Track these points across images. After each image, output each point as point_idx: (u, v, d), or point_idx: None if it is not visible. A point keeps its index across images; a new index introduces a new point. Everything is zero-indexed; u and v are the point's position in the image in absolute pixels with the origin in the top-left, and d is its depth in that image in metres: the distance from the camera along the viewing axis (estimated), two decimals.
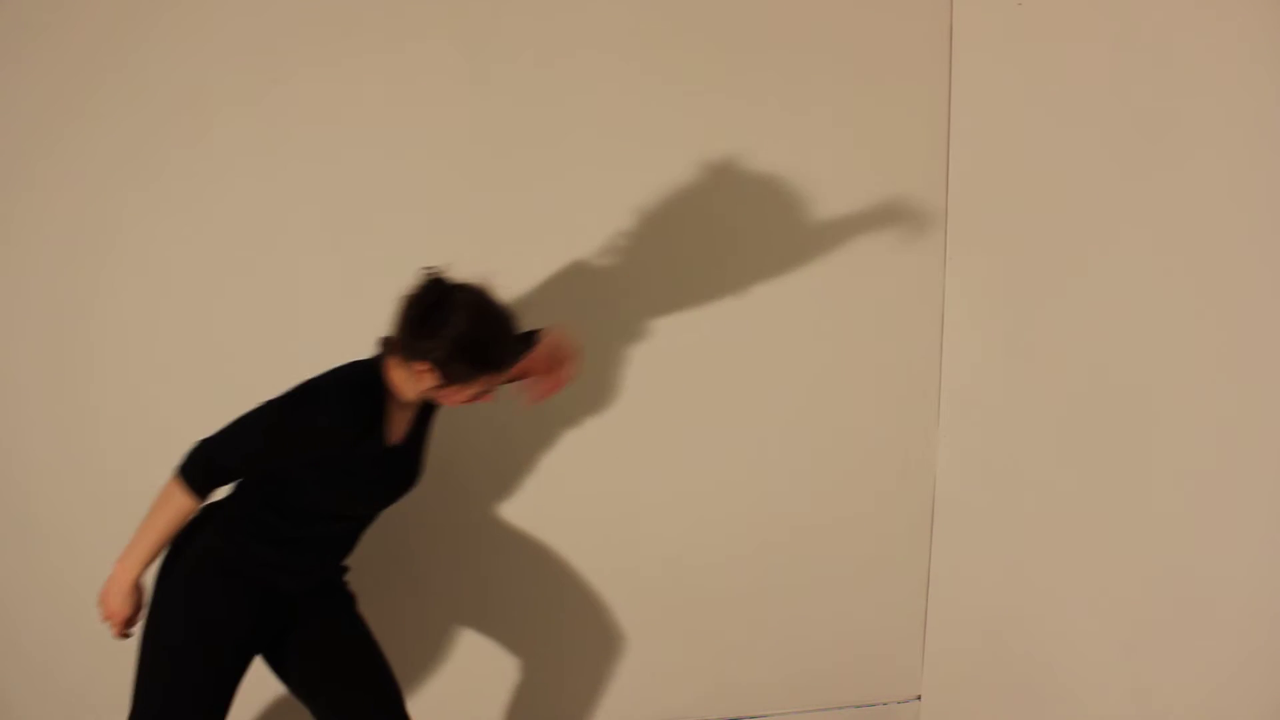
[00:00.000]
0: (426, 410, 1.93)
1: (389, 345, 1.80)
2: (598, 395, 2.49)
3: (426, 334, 1.71)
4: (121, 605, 1.81)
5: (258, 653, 1.92)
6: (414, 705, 2.48)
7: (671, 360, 2.52)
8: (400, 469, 1.92)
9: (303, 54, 2.26)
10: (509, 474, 2.49)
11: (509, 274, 2.37)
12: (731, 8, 2.45)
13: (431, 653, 2.50)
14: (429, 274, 1.76)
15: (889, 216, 2.59)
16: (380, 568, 2.42)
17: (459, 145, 2.35)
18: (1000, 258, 2.45)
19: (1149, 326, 1.99)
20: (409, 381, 1.78)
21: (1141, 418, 2.01)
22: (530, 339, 1.97)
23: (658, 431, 2.54)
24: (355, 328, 2.32)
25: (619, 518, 2.56)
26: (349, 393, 1.78)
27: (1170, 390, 1.94)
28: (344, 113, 2.29)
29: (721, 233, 2.50)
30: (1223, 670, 1.84)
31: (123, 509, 2.27)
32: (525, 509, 2.50)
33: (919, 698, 2.77)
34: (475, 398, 1.80)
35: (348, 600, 2.03)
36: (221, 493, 1.84)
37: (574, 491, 2.52)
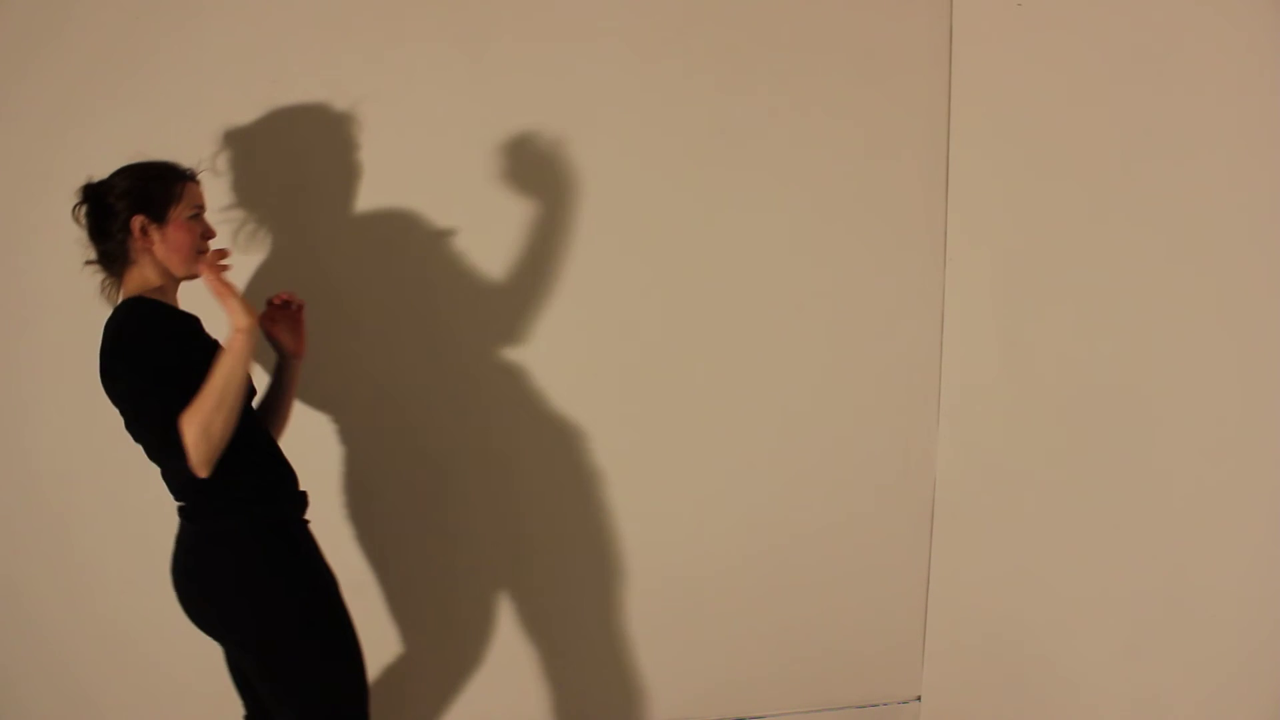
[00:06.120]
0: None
1: (112, 259, 1.82)
2: (597, 395, 2.49)
3: (109, 202, 1.78)
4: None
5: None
6: (412, 705, 2.49)
7: (670, 360, 2.52)
8: None
9: (303, 54, 2.26)
10: (508, 476, 2.49)
11: (507, 274, 2.40)
12: (731, 7, 2.45)
13: (430, 653, 2.50)
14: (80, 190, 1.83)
15: (889, 216, 2.59)
16: (378, 569, 2.43)
17: (460, 145, 2.35)
18: (1000, 258, 2.45)
19: (1149, 326, 1.99)
20: (149, 259, 1.80)
21: (1142, 418, 2.01)
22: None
23: (657, 432, 2.54)
24: (356, 326, 2.35)
25: (619, 519, 2.56)
26: (138, 305, 1.77)
27: (1171, 390, 1.94)
28: (344, 113, 2.29)
29: (721, 232, 2.50)
30: (1224, 671, 1.83)
31: (135, 508, 2.29)
32: (525, 510, 2.50)
33: (919, 698, 2.77)
34: (202, 237, 1.85)
35: None
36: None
37: (574, 492, 2.52)
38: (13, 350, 2.24)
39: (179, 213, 1.81)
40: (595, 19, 2.40)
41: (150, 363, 1.70)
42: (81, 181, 2.17)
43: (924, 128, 2.58)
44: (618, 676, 2.61)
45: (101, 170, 2.17)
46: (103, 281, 1.87)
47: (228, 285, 1.76)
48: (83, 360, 2.16)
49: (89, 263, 1.86)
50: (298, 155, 2.28)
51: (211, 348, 1.82)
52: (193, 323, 1.83)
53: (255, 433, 1.89)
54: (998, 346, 2.47)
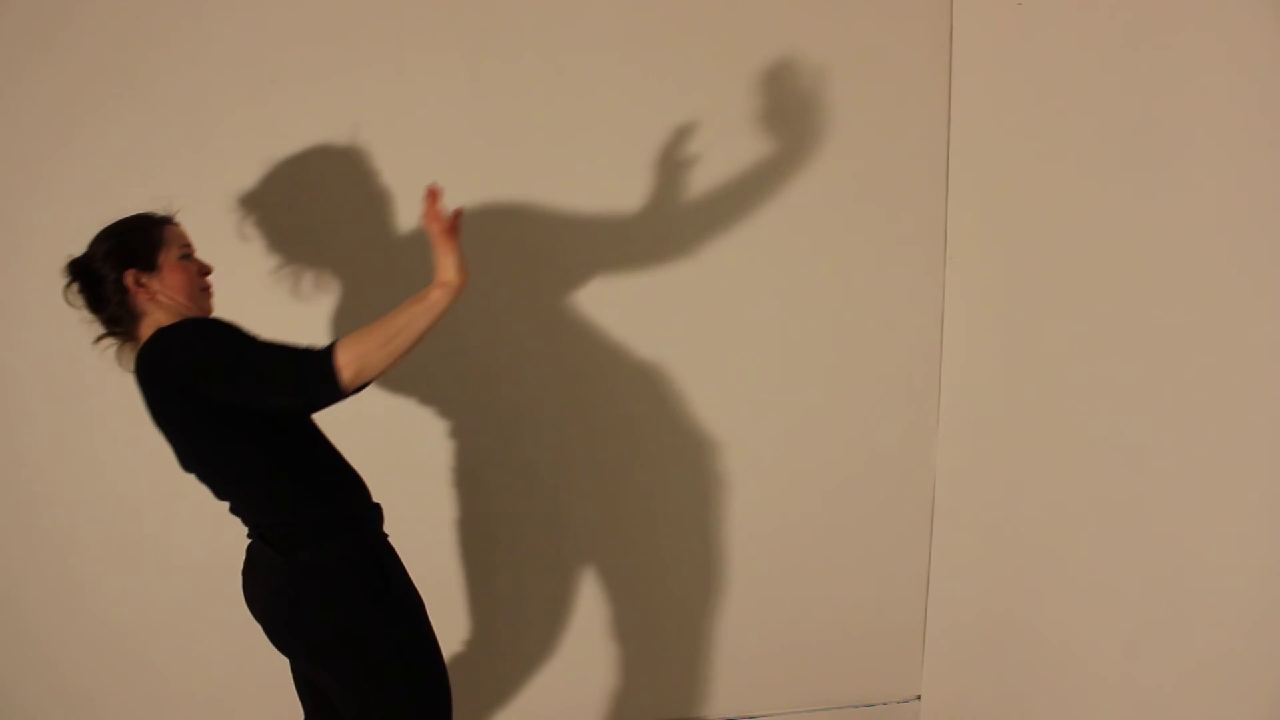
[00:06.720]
0: None
1: (118, 321, 1.76)
2: (598, 395, 2.50)
3: (95, 269, 1.72)
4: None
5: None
6: None
7: (670, 361, 2.52)
8: None
9: (304, 55, 2.26)
10: (510, 476, 2.49)
11: (507, 275, 2.40)
12: (731, 8, 2.45)
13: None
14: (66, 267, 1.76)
15: (889, 217, 2.59)
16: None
17: (459, 146, 2.35)
18: (1000, 258, 2.45)
19: (1149, 327, 1.99)
20: (155, 306, 1.75)
21: (1141, 418, 2.01)
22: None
23: (657, 432, 2.54)
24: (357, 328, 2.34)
25: (619, 518, 2.56)
26: (171, 326, 1.69)
27: (1169, 391, 1.94)
28: (345, 113, 2.29)
29: (721, 233, 2.50)
30: (1224, 670, 1.84)
31: (128, 510, 2.29)
32: (526, 510, 2.51)
33: (919, 698, 2.78)
34: (200, 274, 1.81)
35: None
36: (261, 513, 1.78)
37: (575, 492, 2.53)
38: (10, 351, 2.24)
39: (168, 256, 1.76)
40: (594, 19, 2.39)
41: (232, 339, 1.62)
42: (80, 183, 2.19)
43: (924, 128, 2.58)
44: (617, 677, 2.62)
45: (99, 170, 2.19)
46: (117, 350, 1.81)
47: (451, 239, 1.65)
48: (81, 361, 2.16)
49: (100, 338, 1.79)
50: (298, 155, 2.28)
51: None
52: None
53: (330, 453, 1.84)
54: (998, 346, 2.47)
